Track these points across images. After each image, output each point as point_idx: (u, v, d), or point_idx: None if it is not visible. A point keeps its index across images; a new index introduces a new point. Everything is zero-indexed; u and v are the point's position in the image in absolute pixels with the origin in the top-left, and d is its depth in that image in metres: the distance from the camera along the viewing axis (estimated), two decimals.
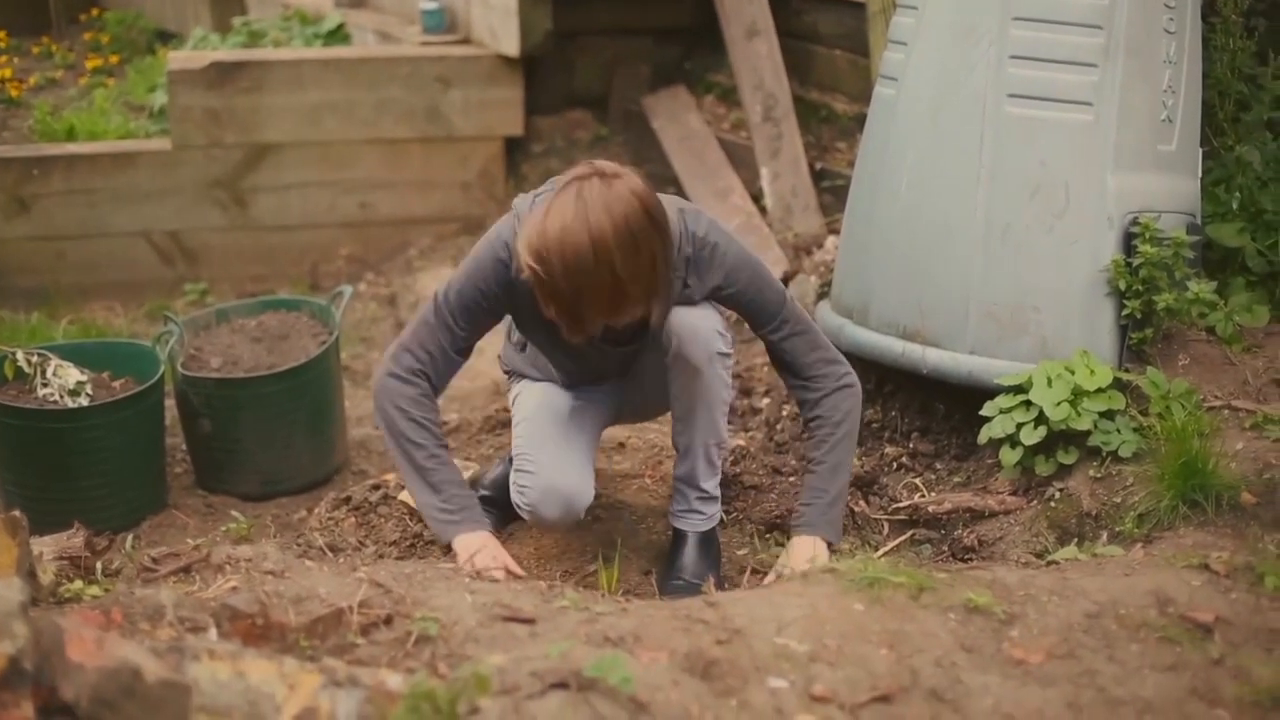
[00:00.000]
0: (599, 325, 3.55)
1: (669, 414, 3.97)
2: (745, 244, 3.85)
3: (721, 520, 4.16)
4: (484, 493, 4.25)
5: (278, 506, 5.03)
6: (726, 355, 3.79)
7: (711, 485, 3.98)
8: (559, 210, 3.39)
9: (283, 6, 9.05)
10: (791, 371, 3.94)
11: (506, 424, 4.86)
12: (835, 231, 6.03)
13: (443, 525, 3.77)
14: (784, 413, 4.97)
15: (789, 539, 4.00)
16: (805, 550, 3.87)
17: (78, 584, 3.39)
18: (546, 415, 3.98)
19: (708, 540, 3.98)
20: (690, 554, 3.94)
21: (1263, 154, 4.83)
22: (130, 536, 4.58)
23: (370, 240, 7.52)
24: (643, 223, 3.42)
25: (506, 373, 4.25)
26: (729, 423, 4.12)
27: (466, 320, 3.75)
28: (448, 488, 3.76)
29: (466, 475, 4.34)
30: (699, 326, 3.72)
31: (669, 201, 3.66)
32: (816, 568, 3.45)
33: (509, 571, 3.66)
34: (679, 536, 3.97)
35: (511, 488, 3.94)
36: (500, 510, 4.20)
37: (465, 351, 3.83)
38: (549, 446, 3.90)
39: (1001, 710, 2.75)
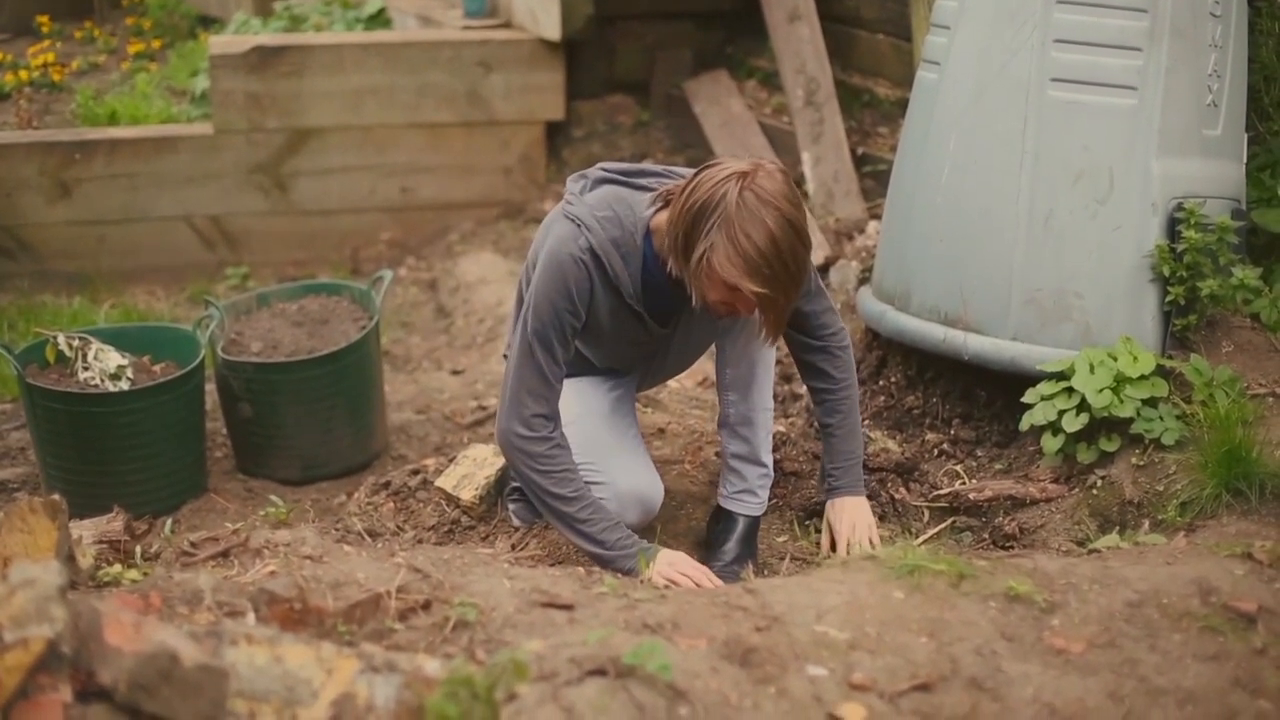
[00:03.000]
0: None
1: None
2: None
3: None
4: (519, 484, 4.19)
5: (317, 491, 5.05)
6: None
7: (770, 460, 4.00)
8: (753, 224, 3.31)
9: None
10: (802, 329, 3.91)
11: None
12: (877, 217, 6.01)
13: (624, 564, 3.67)
14: None
15: (829, 501, 4.02)
16: (853, 510, 3.97)
17: (117, 568, 3.41)
18: (594, 419, 3.94)
19: (753, 528, 3.96)
20: (736, 539, 3.93)
21: None
22: (169, 521, 4.60)
23: (411, 224, 7.54)
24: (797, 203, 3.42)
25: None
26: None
27: (564, 341, 3.67)
28: (609, 533, 3.69)
29: (498, 469, 4.30)
30: None
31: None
32: (856, 555, 3.43)
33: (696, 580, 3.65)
34: (728, 519, 3.95)
35: None
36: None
37: (566, 366, 3.77)
38: (610, 452, 3.89)
39: (1042, 699, 2.74)
